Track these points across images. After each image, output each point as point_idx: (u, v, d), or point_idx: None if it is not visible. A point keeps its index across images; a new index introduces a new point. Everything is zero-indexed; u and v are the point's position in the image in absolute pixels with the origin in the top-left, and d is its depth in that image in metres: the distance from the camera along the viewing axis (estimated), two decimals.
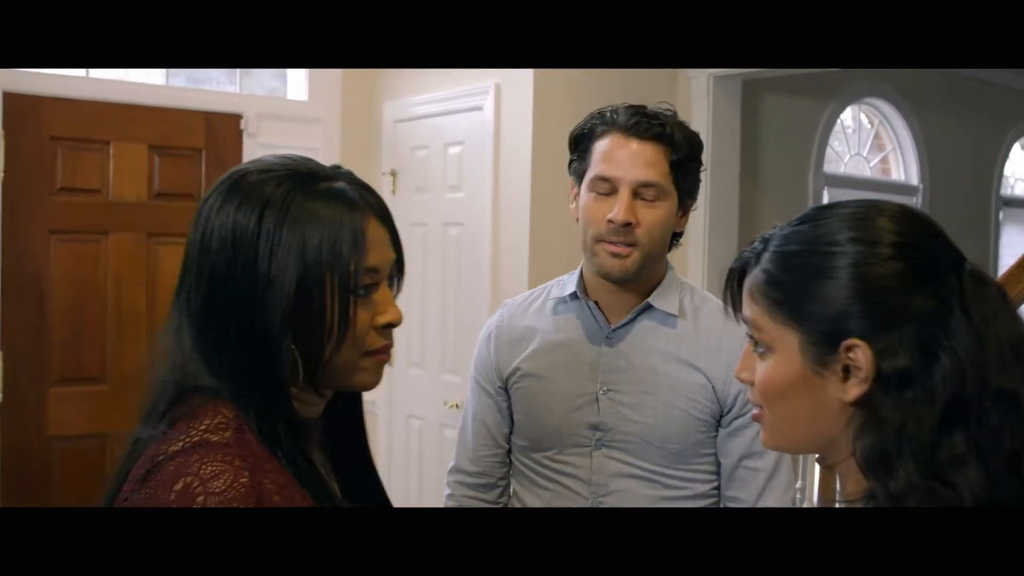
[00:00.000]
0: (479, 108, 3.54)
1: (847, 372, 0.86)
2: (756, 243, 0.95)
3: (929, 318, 0.84)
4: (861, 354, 0.84)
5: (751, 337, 0.94)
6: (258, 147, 3.87)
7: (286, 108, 3.99)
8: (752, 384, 0.94)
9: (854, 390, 0.86)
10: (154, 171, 3.70)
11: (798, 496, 2.71)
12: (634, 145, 1.52)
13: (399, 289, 1.08)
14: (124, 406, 3.60)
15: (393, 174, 3.97)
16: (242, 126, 3.84)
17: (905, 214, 0.90)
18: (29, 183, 3.47)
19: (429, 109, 3.80)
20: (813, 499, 2.87)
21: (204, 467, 0.88)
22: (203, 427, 0.94)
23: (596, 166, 1.55)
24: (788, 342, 0.89)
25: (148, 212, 3.69)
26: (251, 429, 0.95)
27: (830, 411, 0.88)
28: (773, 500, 1.57)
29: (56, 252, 3.52)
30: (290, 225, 0.96)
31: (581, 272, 1.64)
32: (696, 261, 3.57)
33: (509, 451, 1.71)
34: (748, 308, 0.94)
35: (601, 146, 1.55)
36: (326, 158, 3.97)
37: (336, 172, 1.04)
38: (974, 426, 0.81)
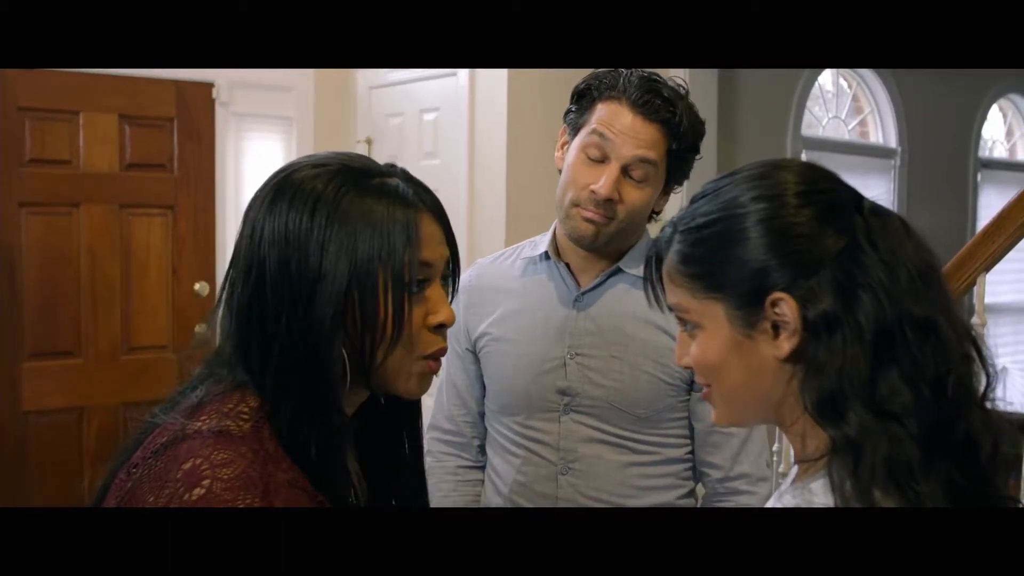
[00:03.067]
0: (453, 74, 3.50)
1: (776, 329, 0.87)
2: (667, 228, 0.96)
3: (842, 258, 0.85)
4: (786, 306, 0.86)
5: (681, 321, 0.95)
6: (231, 116, 3.82)
7: (258, 76, 3.93)
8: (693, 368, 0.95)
9: (786, 344, 0.86)
10: (125, 141, 3.65)
11: (774, 459, 2.72)
12: (638, 122, 1.47)
13: (454, 291, 1.07)
14: (99, 380, 3.59)
15: (368, 142, 3.93)
16: (214, 95, 3.79)
17: (802, 165, 0.93)
18: None
19: (403, 75, 3.76)
20: (790, 460, 2.89)
21: (216, 453, 0.88)
22: (226, 410, 0.93)
23: (593, 130, 1.49)
24: (714, 314, 0.90)
25: (120, 183, 3.65)
26: (274, 426, 0.93)
27: (768, 371, 0.88)
28: (748, 464, 1.57)
29: (27, 225, 3.48)
30: (341, 221, 0.95)
31: (554, 232, 1.61)
32: None
33: (483, 415, 1.69)
34: (671, 294, 0.95)
35: (604, 111, 1.49)
36: (300, 127, 3.98)
37: (390, 169, 1.03)
38: (902, 357, 0.83)
